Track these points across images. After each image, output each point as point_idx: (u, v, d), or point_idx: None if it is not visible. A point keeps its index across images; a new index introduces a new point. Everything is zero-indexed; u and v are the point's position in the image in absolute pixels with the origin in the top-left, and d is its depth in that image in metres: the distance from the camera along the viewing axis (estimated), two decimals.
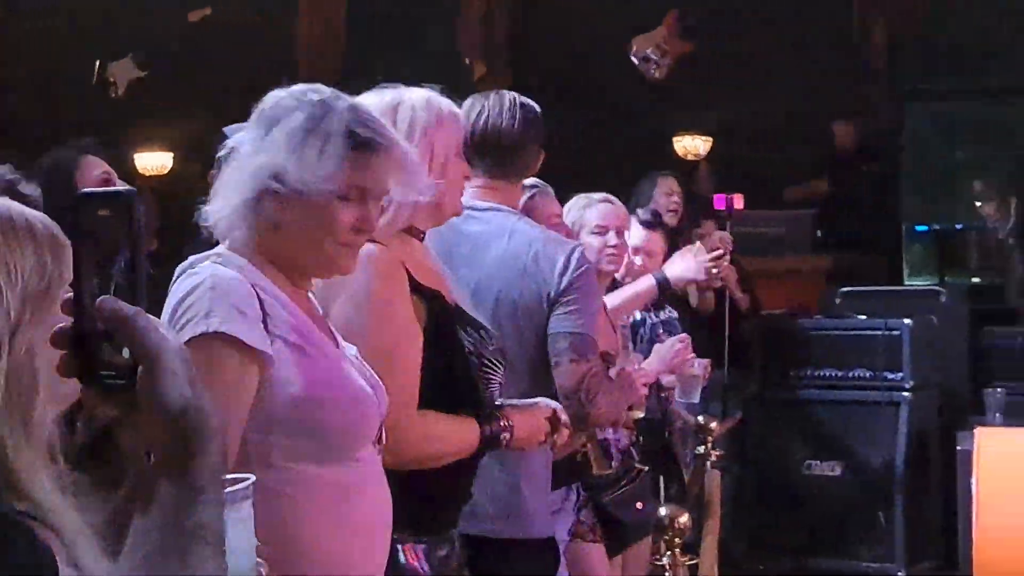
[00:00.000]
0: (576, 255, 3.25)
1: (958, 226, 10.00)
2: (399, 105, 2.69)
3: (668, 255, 4.88)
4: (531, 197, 3.80)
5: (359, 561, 2.28)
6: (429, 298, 2.64)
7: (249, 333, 2.15)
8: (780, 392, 6.88)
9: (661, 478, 4.75)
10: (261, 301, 2.19)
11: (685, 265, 4.72)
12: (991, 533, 5.36)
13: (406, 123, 2.64)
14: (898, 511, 6.52)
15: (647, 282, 4.57)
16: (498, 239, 3.26)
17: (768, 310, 7.42)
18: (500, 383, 2.81)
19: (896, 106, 10.42)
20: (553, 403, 2.89)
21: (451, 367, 2.65)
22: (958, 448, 5.63)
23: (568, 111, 9.57)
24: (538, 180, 3.87)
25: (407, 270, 2.61)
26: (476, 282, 3.18)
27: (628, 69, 10.07)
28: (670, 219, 6.96)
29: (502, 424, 2.70)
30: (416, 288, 2.62)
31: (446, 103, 2.77)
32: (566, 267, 3.21)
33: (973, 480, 5.45)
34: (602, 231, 4.29)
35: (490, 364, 2.77)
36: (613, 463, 3.91)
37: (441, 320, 2.66)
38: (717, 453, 5.24)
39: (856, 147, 9.57)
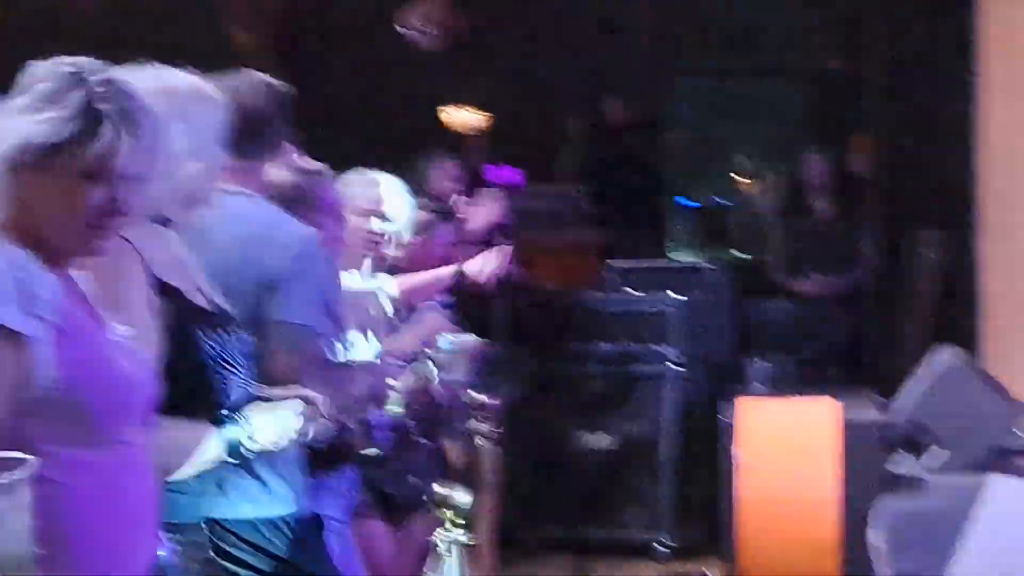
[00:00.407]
0: (303, 240, 3.15)
1: (720, 201, 10.26)
2: (158, 84, 2.60)
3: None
4: (311, 180, 3.73)
5: (126, 545, 2.24)
6: (170, 296, 2.59)
7: (3, 312, 2.06)
8: (553, 366, 6.96)
9: (437, 454, 4.75)
10: (19, 279, 2.10)
11: (489, 263, 4.76)
12: (752, 500, 5.52)
13: (163, 103, 2.55)
14: (665, 481, 6.68)
15: (449, 271, 4.59)
16: (231, 223, 3.14)
17: (542, 285, 7.49)
18: (242, 383, 2.76)
19: (661, 82, 10.61)
20: (309, 393, 2.85)
21: (188, 369, 2.61)
22: (721, 418, 5.78)
23: (336, 84, 9.49)
24: (321, 165, 3.80)
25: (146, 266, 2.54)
26: (207, 270, 3.07)
27: (397, 40, 10.00)
28: (449, 196, 6.97)
29: (241, 428, 2.68)
30: (157, 286, 2.56)
31: (206, 85, 2.70)
32: (290, 253, 3.11)
33: (736, 449, 5.60)
34: (366, 214, 4.25)
35: (232, 367, 2.72)
36: (378, 443, 3.89)
37: (181, 320, 2.60)
38: (492, 428, 5.27)
39: (624, 123, 9.70)
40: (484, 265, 4.91)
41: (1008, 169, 7.14)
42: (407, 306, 4.31)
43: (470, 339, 4.67)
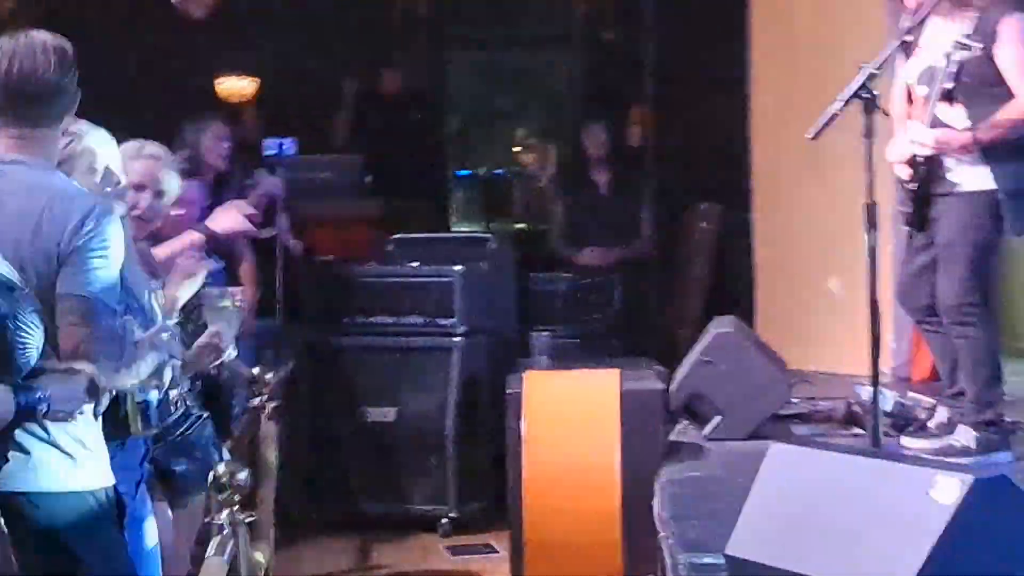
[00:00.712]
0: (93, 212, 3.04)
1: (501, 172, 10.26)
2: None
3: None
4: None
5: None
6: None
7: None
8: (333, 340, 6.87)
9: (216, 430, 4.63)
10: None
11: (229, 218, 4.71)
12: (536, 471, 5.53)
13: None
14: (450, 454, 6.65)
15: (191, 236, 4.54)
16: (15, 195, 3.04)
17: (321, 256, 7.37)
18: (38, 347, 2.73)
19: (440, 53, 10.56)
20: (90, 368, 2.83)
21: None
22: (507, 391, 5.77)
23: (107, 51, 9.15)
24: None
25: None
26: None
27: (168, 7, 9.70)
28: (221, 165, 6.80)
29: (38, 396, 2.66)
30: None
31: None
32: (78, 225, 3.00)
33: (521, 422, 5.60)
34: (140, 188, 4.15)
35: (26, 328, 2.66)
36: (157, 420, 3.78)
37: None
38: (272, 404, 5.16)
39: (402, 93, 9.61)
40: (223, 219, 4.87)
41: (778, 144, 7.31)
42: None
43: (238, 290, 4.54)
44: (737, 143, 7.60)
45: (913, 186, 5.02)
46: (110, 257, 3.05)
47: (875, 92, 3.79)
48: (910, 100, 5.07)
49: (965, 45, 4.70)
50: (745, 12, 7.52)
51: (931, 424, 5.33)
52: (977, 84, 4.85)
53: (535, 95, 10.64)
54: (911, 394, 5.82)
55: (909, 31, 4.95)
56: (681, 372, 5.93)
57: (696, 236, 8.32)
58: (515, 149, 10.12)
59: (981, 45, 4.74)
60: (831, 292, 7.17)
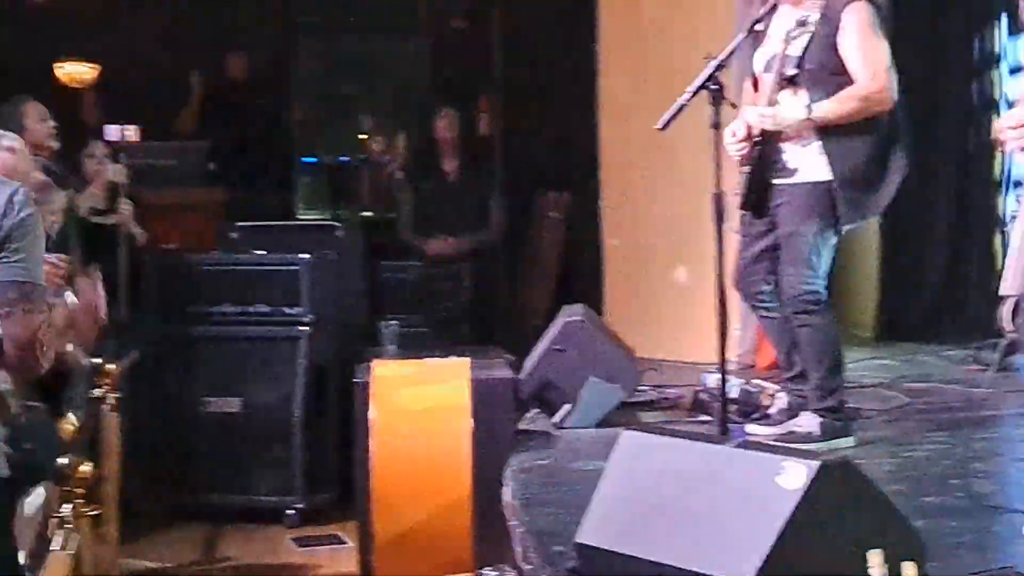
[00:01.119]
0: (18, 197, 2.98)
1: (348, 160, 10.16)
2: None
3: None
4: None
5: None
6: None
7: None
8: (178, 329, 6.74)
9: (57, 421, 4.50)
10: None
11: None
12: (387, 462, 5.48)
13: None
14: (296, 444, 6.58)
15: None
16: None
17: (164, 245, 7.23)
18: None
19: (286, 39, 10.42)
20: None
21: None
22: (354, 380, 5.71)
23: None
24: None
25: None
26: None
27: None
28: (50, 145, 6.57)
29: None
30: None
31: None
32: (7, 211, 2.94)
33: (369, 411, 5.55)
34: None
35: None
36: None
37: None
38: (114, 396, 5.04)
39: (248, 79, 9.47)
40: None
41: (627, 132, 7.36)
42: None
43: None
44: (586, 132, 7.63)
45: (747, 169, 5.06)
46: (40, 240, 3.02)
47: (722, 83, 3.81)
48: (756, 89, 5.12)
49: (803, 23, 4.75)
50: (593, 1, 7.56)
51: (772, 411, 5.41)
52: (819, 71, 4.91)
53: (383, 83, 10.55)
54: (756, 381, 5.89)
55: (759, 20, 5.02)
56: (531, 360, 5.94)
57: (545, 224, 8.34)
58: (363, 137, 10.03)
59: (819, 27, 4.81)
60: (679, 281, 7.25)
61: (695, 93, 3.86)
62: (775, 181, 5.07)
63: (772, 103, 4.95)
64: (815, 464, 3.06)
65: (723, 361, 4.68)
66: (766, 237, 5.17)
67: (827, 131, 4.94)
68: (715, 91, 3.80)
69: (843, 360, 5.28)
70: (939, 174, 8.10)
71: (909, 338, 7.83)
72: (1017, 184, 3.71)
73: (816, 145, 4.97)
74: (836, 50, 4.92)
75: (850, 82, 4.93)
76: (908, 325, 8.04)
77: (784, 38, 4.93)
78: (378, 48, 10.58)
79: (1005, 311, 3.88)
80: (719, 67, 3.82)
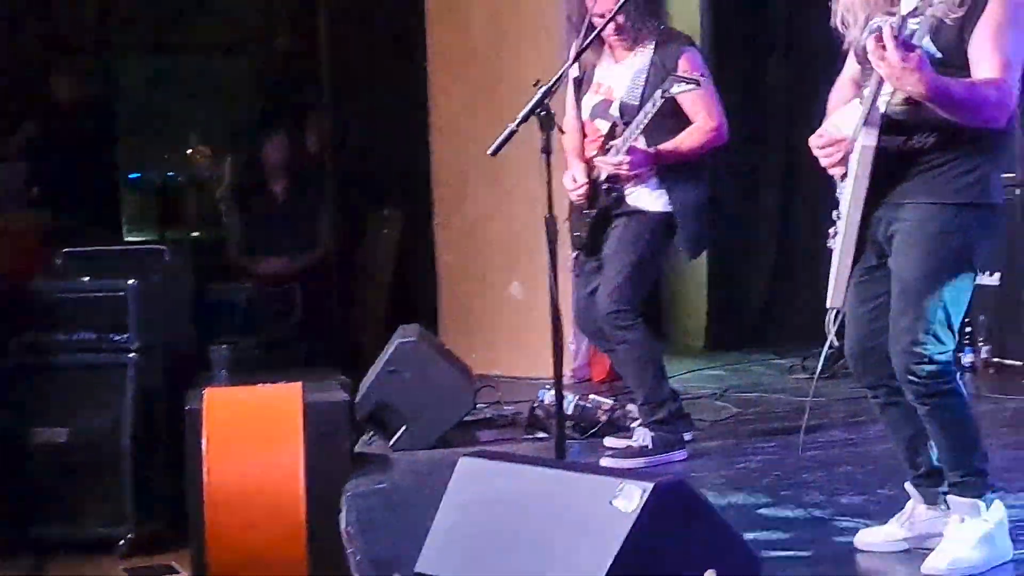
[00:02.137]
0: None
1: (177, 180, 10.00)
2: None
3: None
4: None
5: None
6: None
7: None
8: (1, 360, 6.54)
9: None
10: None
11: None
12: (220, 490, 5.39)
13: None
14: (127, 472, 6.42)
15: None
16: None
17: None
18: None
19: (111, 59, 10.21)
20: None
21: None
22: (185, 407, 5.60)
23: None
24: None
25: None
26: None
27: None
28: None
29: None
30: None
31: None
32: None
33: (201, 439, 5.45)
34: None
35: None
36: None
37: None
38: None
39: (72, 100, 9.24)
40: None
41: (459, 150, 7.36)
42: None
43: None
44: (418, 149, 7.61)
45: (591, 212, 5.31)
46: None
47: (551, 109, 3.84)
48: (585, 135, 5.39)
49: (682, 79, 5.04)
50: (422, 19, 7.54)
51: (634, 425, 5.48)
52: (657, 114, 5.16)
53: (210, 102, 10.40)
54: (592, 396, 5.94)
55: (580, 76, 5.36)
56: (366, 382, 5.90)
57: (378, 242, 8.29)
58: (190, 157, 9.87)
59: (692, 86, 5.09)
60: (513, 296, 7.27)
61: (525, 119, 3.88)
62: (615, 214, 5.31)
63: (609, 148, 5.24)
64: (648, 486, 3.09)
65: (559, 387, 4.70)
66: (599, 274, 5.29)
67: (666, 170, 5.23)
68: (544, 117, 3.82)
69: (665, 371, 5.38)
70: (765, 186, 8.29)
71: (738, 347, 7.97)
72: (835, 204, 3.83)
73: (655, 182, 5.25)
74: (674, 97, 5.16)
75: (683, 124, 5.25)
76: (737, 335, 8.19)
77: (623, 89, 5.25)
78: (206, 68, 10.44)
79: (829, 321, 3.96)
80: (548, 93, 3.84)
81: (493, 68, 7.26)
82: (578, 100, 5.46)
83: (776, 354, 7.62)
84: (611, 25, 5.15)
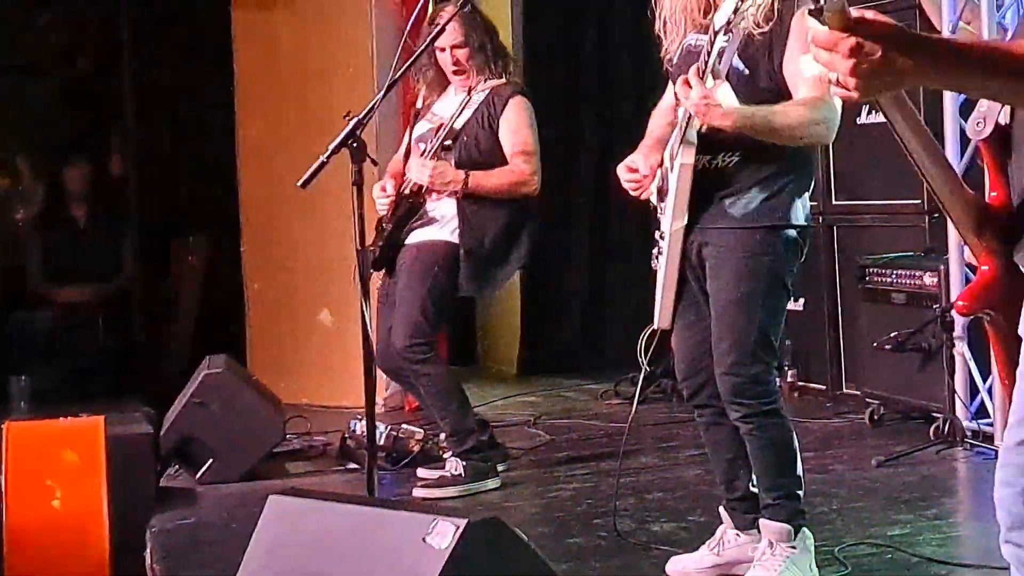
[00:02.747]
0: None
1: None
2: None
3: None
4: None
5: None
6: None
7: None
8: None
9: None
10: None
11: None
12: (20, 527, 5.20)
13: None
14: None
15: None
16: None
17: None
18: None
19: None
20: None
21: None
22: None
23: None
24: None
25: None
26: None
27: None
28: None
29: None
30: None
31: None
32: None
33: (1, 475, 5.25)
34: None
35: None
36: None
37: None
38: None
39: None
40: None
41: (268, 177, 7.26)
42: None
43: None
44: (226, 175, 7.47)
45: (389, 225, 5.31)
46: None
47: (363, 141, 3.80)
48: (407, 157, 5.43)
49: (466, 103, 5.19)
50: (229, 44, 7.42)
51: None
52: (474, 145, 5.30)
53: (10, 126, 10.07)
54: (404, 426, 5.89)
55: (423, 102, 5.52)
56: (172, 414, 5.76)
57: (184, 270, 8.12)
58: None
59: (483, 109, 5.26)
60: (323, 324, 7.18)
61: (335, 151, 3.83)
62: (408, 240, 5.31)
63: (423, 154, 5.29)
64: (462, 523, 3.05)
65: (370, 408, 4.63)
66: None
67: (467, 199, 5.24)
68: (355, 149, 3.78)
69: (468, 401, 5.37)
70: (578, 210, 8.34)
71: (552, 373, 7.99)
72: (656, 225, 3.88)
73: (454, 210, 5.26)
74: (495, 132, 5.31)
75: (502, 161, 5.32)
76: (551, 360, 8.21)
77: (452, 113, 5.34)
78: (4, 88, 10.09)
79: (640, 348, 3.98)
80: (359, 125, 3.80)
81: (301, 96, 7.18)
82: (412, 128, 5.48)
83: (590, 380, 7.67)
84: (450, 58, 5.32)
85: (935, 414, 5.76)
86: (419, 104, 5.57)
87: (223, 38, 7.38)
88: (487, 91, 5.36)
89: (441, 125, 5.34)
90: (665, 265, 3.82)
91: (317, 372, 7.16)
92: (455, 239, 5.23)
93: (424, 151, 5.31)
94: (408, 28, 4.93)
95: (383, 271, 5.42)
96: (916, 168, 2.41)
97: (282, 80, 7.25)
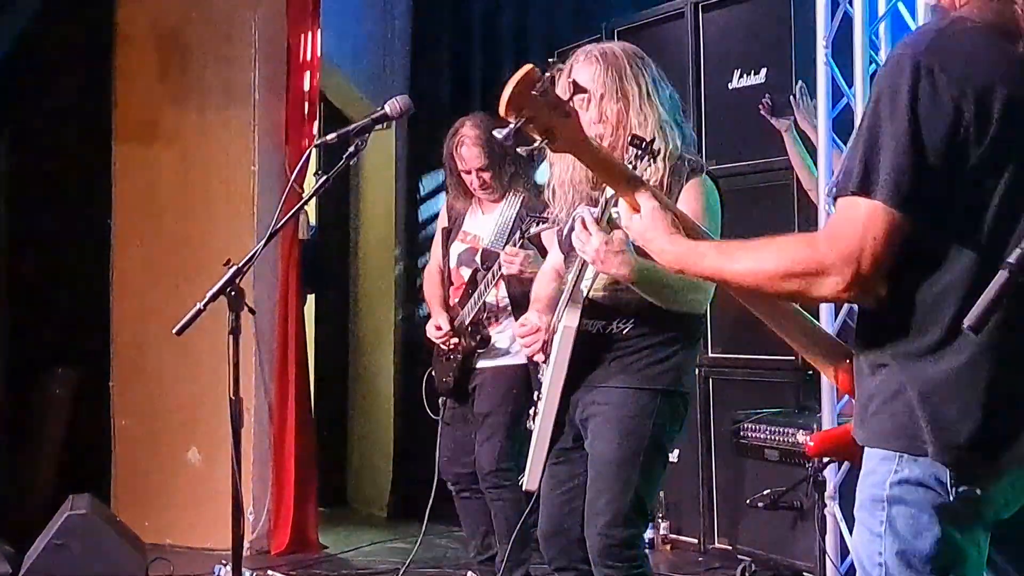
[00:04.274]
0: None
1: None
2: None
3: None
4: None
5: None
6: None
7: None
8: None
9: None
10: None
11: None
12: None
13: None
14: None
15: None
16: None
17: None
18: None
19: None
20: None
21: None
22: None
23: None
24: None
25: None
26: None
27: None
28: None
29: None
30: None
31: None
32: None
33: None
34: None
35: None
36: None
37: None
38: None
39: None
40: None
41: (139, 311, 7.14)
42: None
43: None
44: (98, 308, 7.32)
45: (457, 357, 5.51)
46: None
47: (241, 288, 3.75)
48: (451, 281, 5.61)
49: (539, 218, 5.05)
50: (109, 177, 7.33)
51: None
52: None
53: None
54: (269, 571, 5.76)
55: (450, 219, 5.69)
56: (31, 555, 5.59)
57: (49, 403, 7.89)
58: None
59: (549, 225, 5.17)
60: (191, 464, 7.03)
61: (213, 298, 3.78)
62: (479, 365, 5.50)
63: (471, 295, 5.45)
64: None
65: (237, 552, 4.51)
66: (466, 423, 5.60)
67: None
68: (233, 297, 3.73)
69: (530, 536, 5.32)
70: None
71: (423, 517, 7.84)
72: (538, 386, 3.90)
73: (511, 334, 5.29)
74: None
75: None
76: (422, 504, 8.07)
77: (491, 234, 5.49)
78: None
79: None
80: (238, 273, 3.75)
81: (180, 234, 7.09)
82: (446, 248, 5.55)
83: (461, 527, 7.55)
84: (476, 180, 5.47)
85: (806, 573, 5.77)
86: (444, 221, 5.72)
87: (103, 170, 7.29)
88: (520, 203, 5.49)
89: (478, 247, 5.50)
90: (539, 426, 3.81)
91: (183, 512, 6.98)
92: (523, 359, 5.19)
93: (472, 283, 5.47)
94: (295, 173, 4.92)
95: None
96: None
97: (161, 216, 7.16)
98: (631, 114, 3.71)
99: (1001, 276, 1.95)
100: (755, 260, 2.29)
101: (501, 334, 5.43)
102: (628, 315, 3.74)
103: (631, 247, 3.56)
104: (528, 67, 2.53)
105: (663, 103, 3.78)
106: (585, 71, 3.74)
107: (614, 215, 3.65)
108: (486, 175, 5.47)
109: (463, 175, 5.49)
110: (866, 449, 2.28)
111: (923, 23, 2.14)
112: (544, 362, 3.86)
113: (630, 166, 3.46)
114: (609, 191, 3.67)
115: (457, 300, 5.52)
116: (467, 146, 5.48)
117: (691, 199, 3.72)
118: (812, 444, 2.57)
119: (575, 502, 3.80)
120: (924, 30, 2.31)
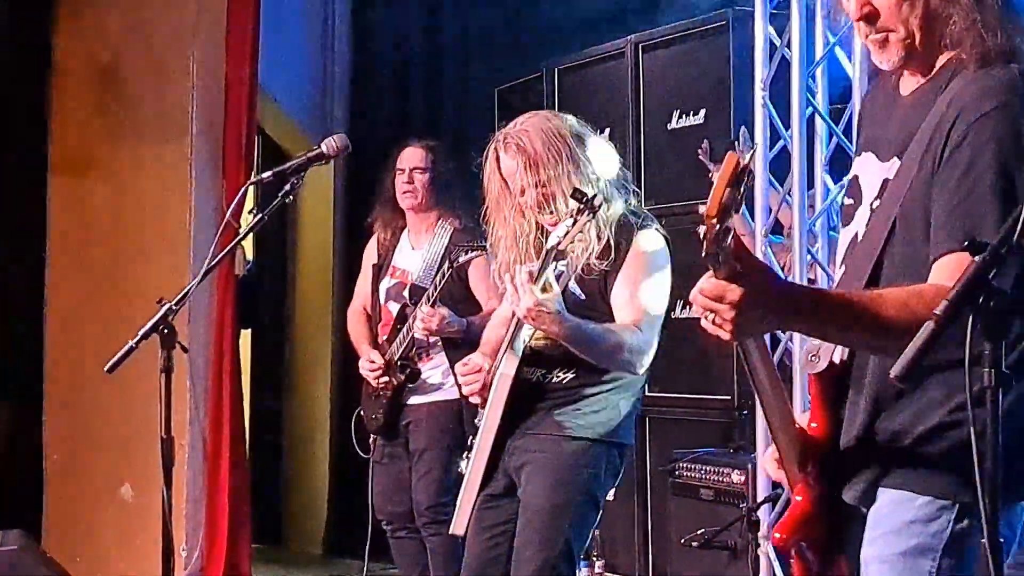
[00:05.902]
0: None
1: None
2: None
3: None
4: None
5: None
6: None
7: None
8: None
9: None
10: None
11: None
12: None
13: None
14: None
15: None
16: None
17: None
18: None
19: None
20: None
21: None
22: None
23: None
24: None
25: None
26: None
27: None
28: None
29: None
30: None
31: None
32: None
33: None
34: None
35: None
36: None
37: None
38: None
39: None
40: None
41: (76, 342, 7.08)
42: None
43: None
44: (32, 342, 7.25)
45: (387, 393, 5.45)
46: None
47: (175, 327, 3.74)
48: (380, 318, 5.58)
49: (468, 247, 5.11)
50: (44, 205, 7.27)
51: None
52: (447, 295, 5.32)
53: None
54: None
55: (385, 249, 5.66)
56: None
57: None
58: None
59: (478, 253, 5.15)
60: (123, 500, 6.96)
61: (146, 336, 3.76)
62: (410, 402, 5.46)
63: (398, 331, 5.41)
64: None
65: None
66: (402, 460, 5.58)
67: (453, 351, 5.26)
68: (166, 336, 3.71)
69: None
70: None
71: (359, 555, 7.82)
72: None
73: (444, 368, 5.35)
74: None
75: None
76: (358, 540, 8.04)
77: (419, 269, 5.44)
78: None
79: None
80: (171, 312, 3.74)
81: (115, 269, 7.03)
82: (376, 285, 5.49)
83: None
84: (407, 180, 5.46)
85: None
86: (373, 257, 5.67)
87: (39, 204, 7.23)
88: (448, 238, 5.43)
89: (407, 282, 5.45)
90: (471, 468, 3.81)
91: (115, 549, 6.91)
92: (455, 395, 5.04)
93: (401, 319, 5.41)
94: (231, 209, 4.90)
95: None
96: (756, 394, 2.46)
97: (96, 251, 7.10)
98: (574, 180, 3.70)
99: (927, 327, 1.97)
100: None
101: (434, 369, 5.41)
102: (569, 365, 3.75)
103: (562, 305, 3.59)
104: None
105: (603, 171, 3.80)
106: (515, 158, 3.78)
107: (551, 274, 3.67)
108: (420, 176, 5.45)
109: (397, 177, 5.47)
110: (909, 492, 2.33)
111: (988, 76, 2.16)
112: (481, 406, 3.86)
113: (571, 220, 3.49)
114: (550, 244, 3.69)
115: (386, 337, 5.49)
116: (412, 147, 5.52)
117: (636, 265, 3.74)
118: (779, 536, 2.51)
119: (500, 548, 3.81)
120: (1011, 77, 2.36)
